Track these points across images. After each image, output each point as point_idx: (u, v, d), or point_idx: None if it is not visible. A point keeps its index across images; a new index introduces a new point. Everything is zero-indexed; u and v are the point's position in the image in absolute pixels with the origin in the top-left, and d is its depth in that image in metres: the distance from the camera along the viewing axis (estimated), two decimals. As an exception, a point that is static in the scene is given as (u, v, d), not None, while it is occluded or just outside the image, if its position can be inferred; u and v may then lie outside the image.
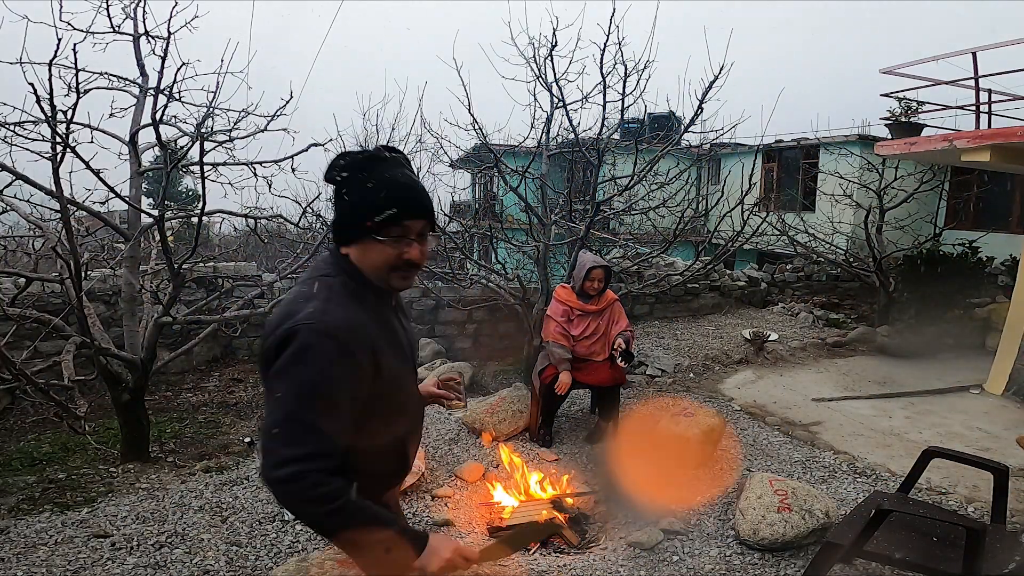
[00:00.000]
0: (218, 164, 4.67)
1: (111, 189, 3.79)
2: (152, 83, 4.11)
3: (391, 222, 1.33)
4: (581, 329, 4.26)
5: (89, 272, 5.20)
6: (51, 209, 4.35)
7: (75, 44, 3.47)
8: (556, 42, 5.40)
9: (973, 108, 6.40)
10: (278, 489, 1.20)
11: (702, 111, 5.33)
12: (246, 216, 4.93)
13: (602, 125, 5.72)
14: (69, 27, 3.84)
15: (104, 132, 4.36)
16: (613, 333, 4.29)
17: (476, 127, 5.76)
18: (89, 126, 4.19)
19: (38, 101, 3.14)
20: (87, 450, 4.15)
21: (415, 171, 1.47)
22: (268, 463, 1.20)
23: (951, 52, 6.22)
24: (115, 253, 6.15)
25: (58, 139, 3.22)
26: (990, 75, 6.24)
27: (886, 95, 7.04)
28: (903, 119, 6.97)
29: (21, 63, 3.53)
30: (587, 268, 4.19)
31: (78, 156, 3.45)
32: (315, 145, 4.78)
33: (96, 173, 3.65)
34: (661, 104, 8.46)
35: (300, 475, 1.17)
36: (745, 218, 6.03)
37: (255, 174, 4.84)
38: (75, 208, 3.79)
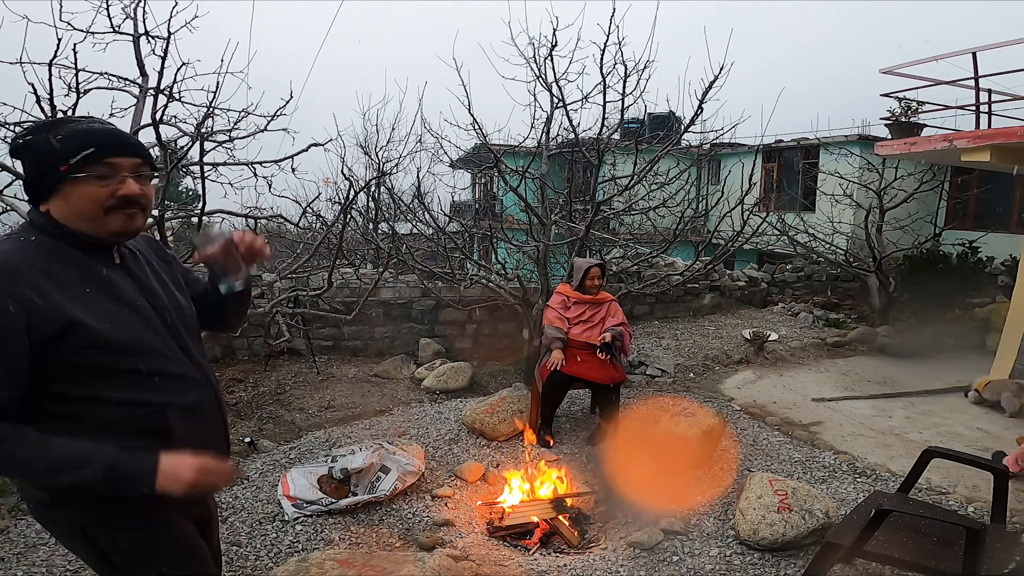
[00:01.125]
0: (218, 164, 4.67)
1: (111, 189, 3.78)
2: (152, 83, 4.11)
3: (92, 161, 1.28)
4: (578, 312, 4.49)
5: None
6: (51, 209, 4.34)
7: (75, 44, 3.48)
8: (556, 42, 5.40)
9: (973, 108, 6.40)
10: None
11: (702, 111, 5.33)
12: (246, 216, 4.93)
13: (602, 125, 5.72)
14: (69, 27, 3.84)
15: (104, 132, 4.35)
16: (607, 326, 4.45)
17: (476, 127, 5.76)
18: (89, 126, 4.19)
19: (38, 101, 3.14)
20: (87, 450, 4.15)
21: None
22: None
23: (951, 52, 6.23)
24: (115, 253, 6.13)
25: (58, 139, 3.21)
26: (990, 75, 6.24)
27: (886, 95, 7.04)
28: (903, 119, 6.98)
29: (21, 63, 3.53)
30: (584, 268, 4.52)
31: (78, 156, 3.44)
32: (315, 145, 4.79)
33: (96, 173, 3.64)
34: (661, 104, 8.48)
35: None
36: (745, 218, 6.02)
37: (255, 174, 4.85)
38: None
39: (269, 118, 4.64)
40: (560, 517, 3.44)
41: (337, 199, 9.44)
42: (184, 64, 4.00)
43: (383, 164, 9.24)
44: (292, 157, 4.70)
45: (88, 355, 1.28)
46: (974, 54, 6.08)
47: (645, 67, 5.44)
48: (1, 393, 1.21)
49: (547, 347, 4.44)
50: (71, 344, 1.25)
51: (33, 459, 1.21)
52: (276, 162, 4.77)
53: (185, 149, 4.54)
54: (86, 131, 1.32)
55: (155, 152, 4.52)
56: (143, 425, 1.35)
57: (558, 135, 6.26)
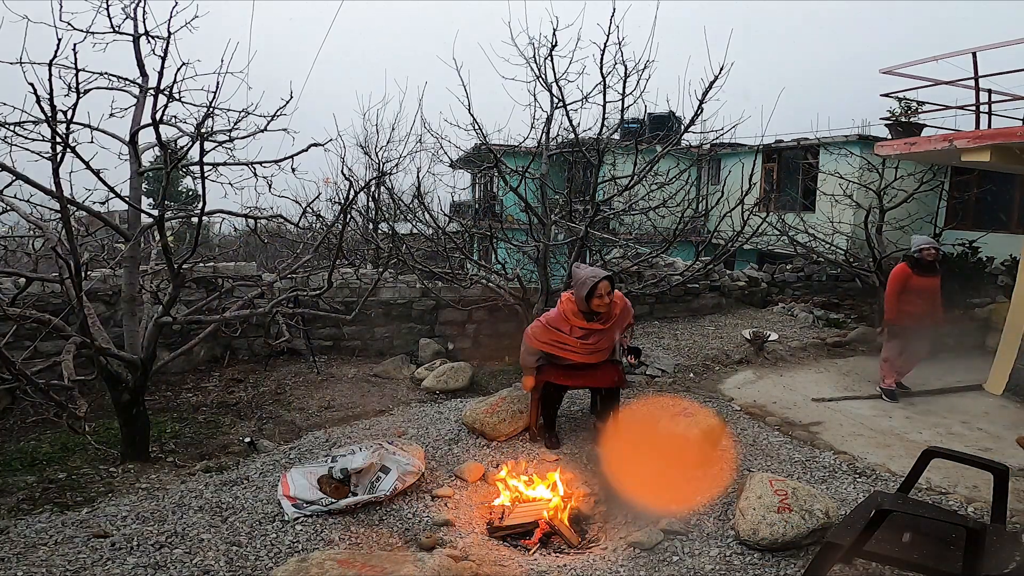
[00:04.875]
0: (218, 164, 4.67)
1: (111, 189, 3.79)
2: (152, 83, 4.11)
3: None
4: (581, 336, 3.94)
5: (89, 272, 5.20)
6: (51, 209, 4.35)
7: (75, 44, 3.47)
8: (556, 42, 5.40)
9: (973, 108, 6.40)
10: None
11: (702, 111, 5.34)
12: (246, 216, 4.93)
13: (602, 125, 5.73)
14: (69, 27, 3.84)
15: (104, 132, 4.36)
16: (618, 338, 4.09)
17: (476, 127, 5.77)
18: (89, 126, 4.19)
19: (38, 101, 3.13)
20: (87, 450, 4.15)
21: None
22: None
23: (951, 52, 6.22)
24: (115, 253, 6.16)
25: (58, 139, 3.22)
26: (990, 75, 6.23)
27: (886, 95, 7.04)
28: (903, 119, 6.97)
29: (21, 63, 3.53)
30: (591, 284, 3.66)
31: (78, 156, 3.45)
32: (315, 145, 4.79)
33: (96, 173, 3.65)
34: (661, 104, 8.46)
35: None
36: (745, 218, 6.02)
37: (255, 174, 4.85)
38: (75, 208, 3.79)
39: (269, 118, 4.64)
40: (560, 517, 3.44)
41: (337, 199, 9.42)
42: (184, 64, 4.00)
43: (383, 164, 9.23)
44: (292, 157, 4.69)
45: None
46: (974, 54, 6.07)
47: (645, 67, 5.45)
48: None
49: (545, 357, 4.06)
50: None
51: None
52: (276, 162, 4.76)
53: (185, 149, 4.54)
54: None
55: (155, 152, 4.53)
56: None
57: (558, 135, 6.26)
